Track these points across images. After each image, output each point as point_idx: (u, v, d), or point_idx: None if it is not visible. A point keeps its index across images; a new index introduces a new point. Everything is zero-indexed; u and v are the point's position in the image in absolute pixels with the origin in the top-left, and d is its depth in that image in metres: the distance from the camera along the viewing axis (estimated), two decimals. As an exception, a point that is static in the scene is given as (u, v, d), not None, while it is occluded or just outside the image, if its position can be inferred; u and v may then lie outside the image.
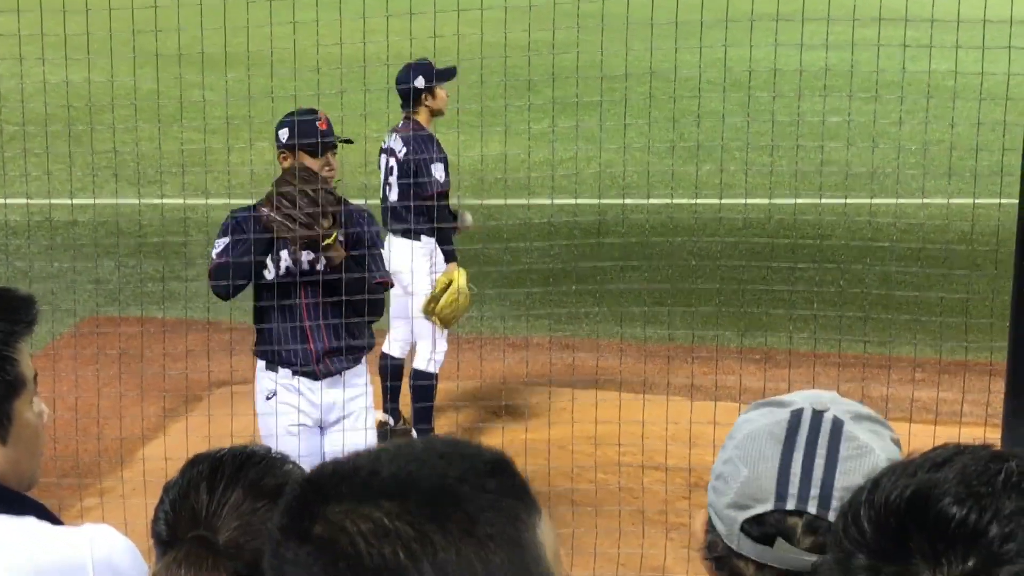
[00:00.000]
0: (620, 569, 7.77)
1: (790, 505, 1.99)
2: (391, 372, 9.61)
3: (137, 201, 10.20)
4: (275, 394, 7.20)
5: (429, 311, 9.23)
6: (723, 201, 9.30)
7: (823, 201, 9.72)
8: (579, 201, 10.72)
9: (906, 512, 1.43)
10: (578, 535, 7.67)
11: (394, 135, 9.47)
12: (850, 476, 1.97)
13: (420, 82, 9.28)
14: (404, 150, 9.35)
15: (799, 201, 9.32)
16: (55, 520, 2.63)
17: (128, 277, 10.71)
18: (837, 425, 2.02)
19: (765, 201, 9.05)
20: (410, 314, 9.36)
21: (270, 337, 7.20)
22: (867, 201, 9.46)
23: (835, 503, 1.96)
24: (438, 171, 9.23)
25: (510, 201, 11.89)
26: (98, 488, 8.23)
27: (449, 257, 9.32)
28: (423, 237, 9.29)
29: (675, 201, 10.75)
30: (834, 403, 2.07)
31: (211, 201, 11.64)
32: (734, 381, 8.63)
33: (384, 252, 7.64)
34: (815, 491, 1.98)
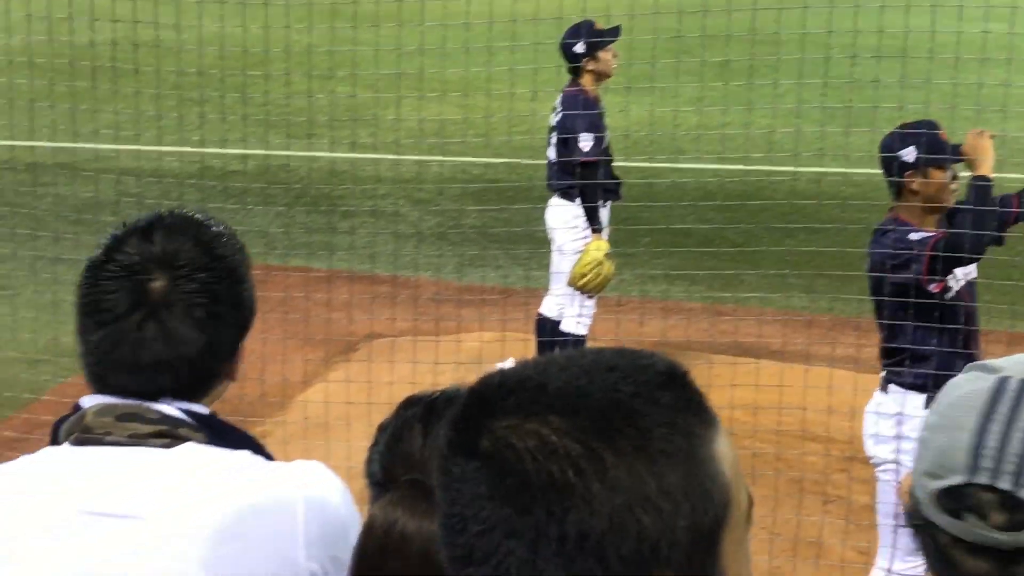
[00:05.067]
0: (773, 539, 7.69)
1: (982, 479, 1.87)
2: (542, 329, 9.63)
3: (287, 152, 10.34)
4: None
5: (574, 285, 9.27)
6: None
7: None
8: (728, 167, 10.61)
9: None
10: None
11: (560, 94, 9.49)
12: None
13: (580, 47, 9.25)
14: (560, 111, 9.36)
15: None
16: (267, 455, 2.64)
17: (287, 227, 10.87)
18: None
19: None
20: (559, 270, 9.40)
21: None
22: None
23: None
24: (585, 140, 9.19)
25: (657, 164, 11.81)
26: (260, 431, 8.39)
27: (594, 226, 9.27)
28: (577, 198, 9.30)
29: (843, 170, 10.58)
30: None
31: (360, 155, 11.78)
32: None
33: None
34: (1010, 466, 1.86)
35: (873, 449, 6.48)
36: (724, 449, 1.54)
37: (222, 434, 2.63)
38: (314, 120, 9.03)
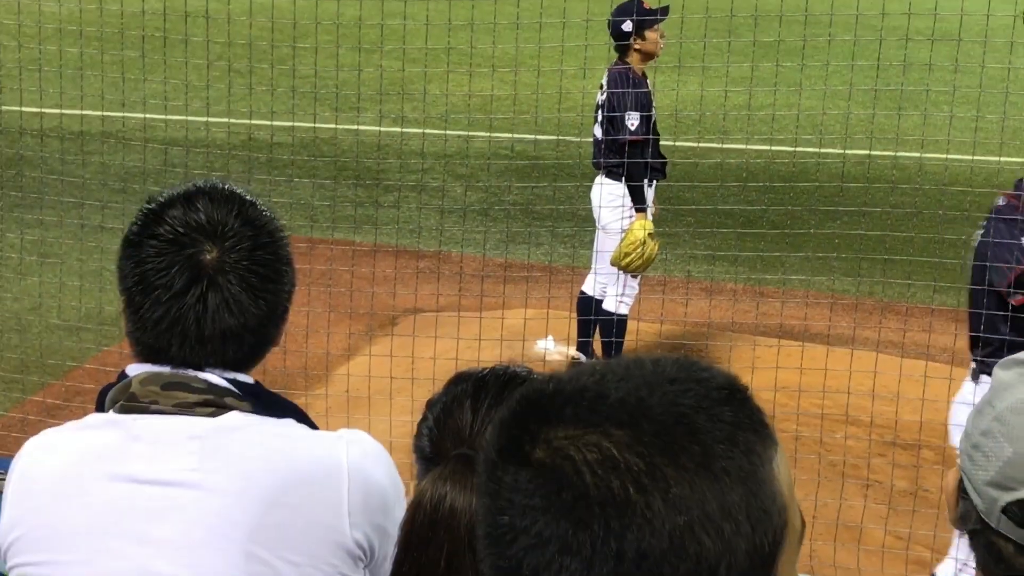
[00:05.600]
0: (813, 522, 7.67)
1: None
2: (584, 308, 9.61)
3: (332, 125, 10.33)
4: None
5: (618, 265, 9.23)
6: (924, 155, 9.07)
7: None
8: (775, 148, 10.55)
9: None
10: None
11: (607, 71, 9.46)
12: None
13: (627, 25, 9.20)
14: (607, 90, 9.31)
15: (1003, 159, 9.03)
16: (311, 424, 2.67)
17: (332, 200, 10.88)
18: None
19: (968, 157, 8.79)
20: (603, 249, 9.37)
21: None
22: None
23: None
24: (632, 119, 9.14)
25: (704, 144, 11.74)
26: (302, 403, 8.38)
27: (638, 205, 9.23)
28: (622, 177, 9.27)
29: (875, 152, 10.50)
30: None
31: (407, 130, 11.75)
32: (930, 339, 8.41)
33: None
34: None
35: (958, 438, 6.28)
36: (782, 469, 1.50)
37: (267, 403, 2.64)
38: (361, 94, 9.02)
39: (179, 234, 2.58)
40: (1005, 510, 1.87)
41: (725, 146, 11.88)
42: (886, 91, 9.09)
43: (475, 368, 2.47)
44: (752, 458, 1.45)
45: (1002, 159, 9.03)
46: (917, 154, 9.30)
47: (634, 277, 9.39)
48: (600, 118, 9.38)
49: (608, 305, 9.49)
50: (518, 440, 1.45)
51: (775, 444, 1.49)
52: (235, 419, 2.54)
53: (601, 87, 9.44)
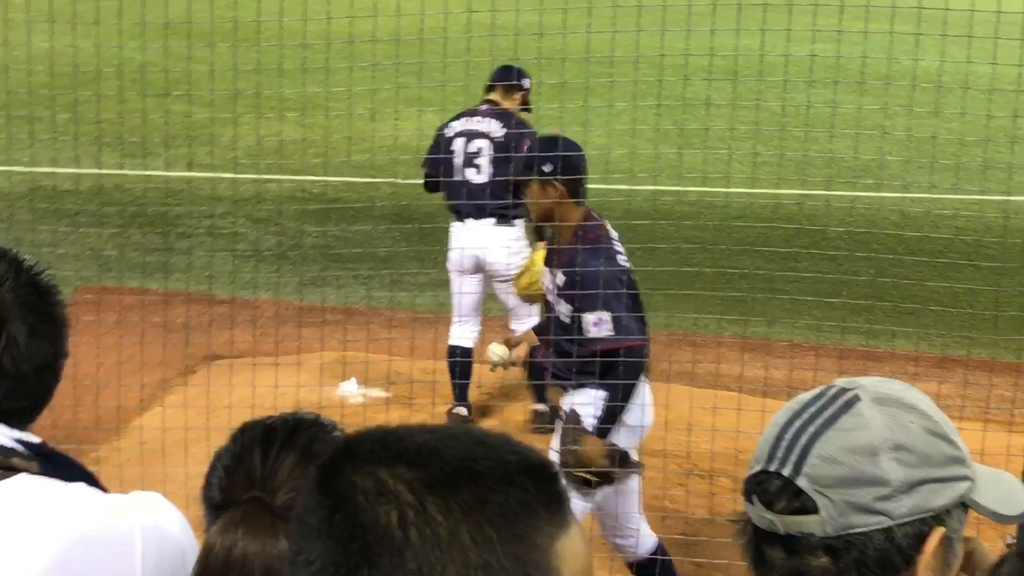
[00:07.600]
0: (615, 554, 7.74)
1: (772, 467, 2.01)
2: (464, 359, 9.45)
3: (121, 172, 10.17)
4: None
5: (525, 294, 9.05)
6: (730, 189, 9.29)
7: (811, 192, 9.71)
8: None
9: None
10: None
11: (476, 117, 9.27)
12: (829, 445, 1.99)
13: (528, 83, 9.34)
14: (505, 129, 9.13)
15: (789, 191, 9.32)
16: (103, 489, 2.59)
17: (122, 248, 10.65)
18: (851, 402, 2.02)
19: (771, 191, 9.04)
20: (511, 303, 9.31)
21: None
22: (871, 194, 9.45)
23: (808, 469, 1.98)
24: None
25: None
26: (95, 457, 8.20)
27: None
28: (515, 221, 9.13)
29: (662, 188, 10.73)
30: (874, 386, 2.05)
31: (195, 174, 11.62)
32: (733, 370, 8.59)
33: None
34: (794, 456, 2.00)
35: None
36: (570, 552, 1.50)
37: (56, 464, 2.57)
38: (149, 139, 8.90)
39: None
40: (743, 486, 2.04)
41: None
42: (669, 129, 9.30)
43: (263, 417, 2.47)
44: (530, 525, 1.46)
45: (782, 191, 9.33)
46: (701, 188, 9.53)
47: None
48: (488, 157, 9.17)
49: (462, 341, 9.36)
50: (325, 474, 1.53)
51: (565, 526, 1.50)
52: (24, 482, 2.47)
53: (477, 133, 9.20)
